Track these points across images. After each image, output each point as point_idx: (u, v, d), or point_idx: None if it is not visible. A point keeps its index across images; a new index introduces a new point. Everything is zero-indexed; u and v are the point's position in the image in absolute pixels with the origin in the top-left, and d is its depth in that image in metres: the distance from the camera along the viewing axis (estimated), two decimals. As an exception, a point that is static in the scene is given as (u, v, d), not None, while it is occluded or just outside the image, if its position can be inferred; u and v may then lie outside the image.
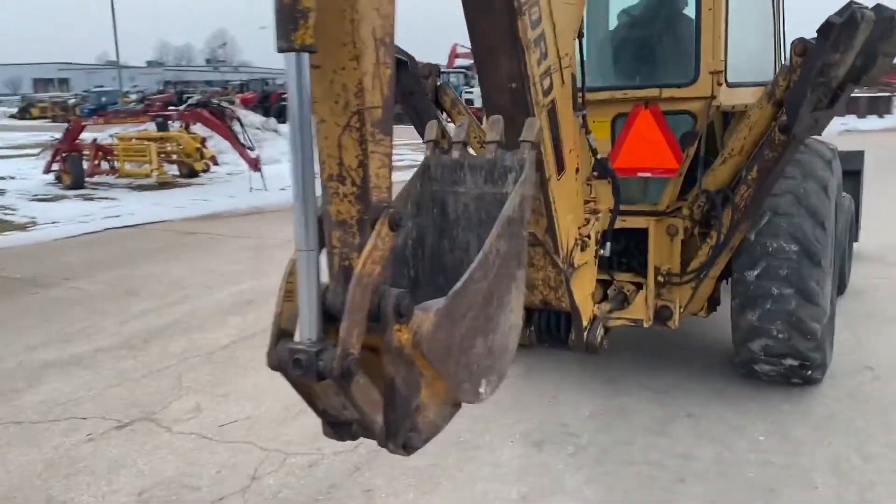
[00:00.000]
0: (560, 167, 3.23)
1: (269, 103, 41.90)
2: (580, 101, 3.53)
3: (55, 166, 16.44)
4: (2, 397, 5.07)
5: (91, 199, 14.95)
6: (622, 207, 4.08)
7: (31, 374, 5.45)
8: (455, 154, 2.79)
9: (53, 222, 12.08)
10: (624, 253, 4.64)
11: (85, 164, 16.62)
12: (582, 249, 3.64)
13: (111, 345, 6.06)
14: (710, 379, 4.93)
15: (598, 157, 3.90)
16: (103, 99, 47.68)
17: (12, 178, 17.90)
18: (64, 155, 16.36)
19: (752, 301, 4.27)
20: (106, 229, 11.42)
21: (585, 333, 3.76)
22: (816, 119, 3.87)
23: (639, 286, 4.54)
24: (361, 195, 1.94)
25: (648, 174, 4.48)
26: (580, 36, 3.49)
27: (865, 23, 3.60)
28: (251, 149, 15.64)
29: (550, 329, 3.90)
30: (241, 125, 16.41)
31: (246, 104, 40.29)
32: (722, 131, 4.72)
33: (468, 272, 2.13)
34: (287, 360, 1.77)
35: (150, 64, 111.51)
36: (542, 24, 2.88)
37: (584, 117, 3.65)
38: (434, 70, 5.23)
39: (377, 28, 1.89)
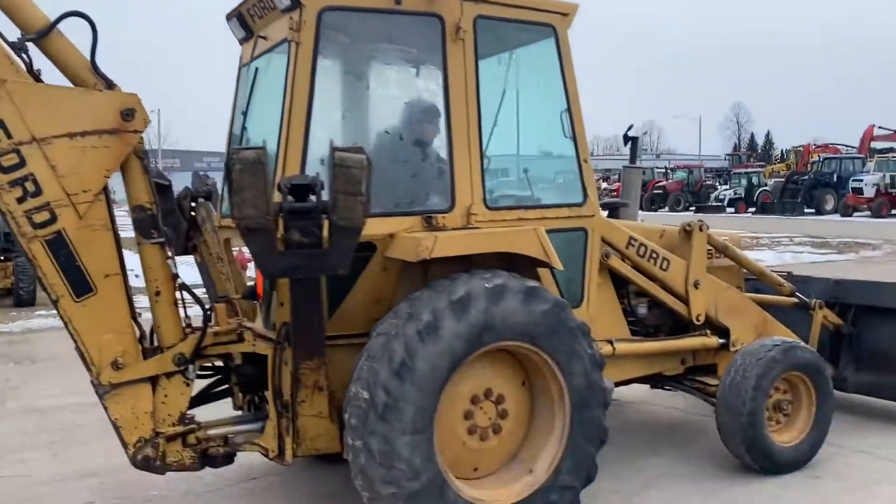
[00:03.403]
0: (83, 290, 3.63)
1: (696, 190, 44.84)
2: (153, 230, 3.81)
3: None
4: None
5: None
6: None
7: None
8: None
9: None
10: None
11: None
12: (117, 368, 3.73)
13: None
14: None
15: (179, 281, 3.98)
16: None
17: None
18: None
19: None
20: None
21: (132, 450, 3.83)
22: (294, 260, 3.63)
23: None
24: None
25: None
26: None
27: (238, 162, 3.48)
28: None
29: None
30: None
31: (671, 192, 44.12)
32: None
33: None
34: None
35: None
36: (25, 168, 3.45)
37: (162, 244, 3.87)
38: (189, 193, 5.03)
39: None
